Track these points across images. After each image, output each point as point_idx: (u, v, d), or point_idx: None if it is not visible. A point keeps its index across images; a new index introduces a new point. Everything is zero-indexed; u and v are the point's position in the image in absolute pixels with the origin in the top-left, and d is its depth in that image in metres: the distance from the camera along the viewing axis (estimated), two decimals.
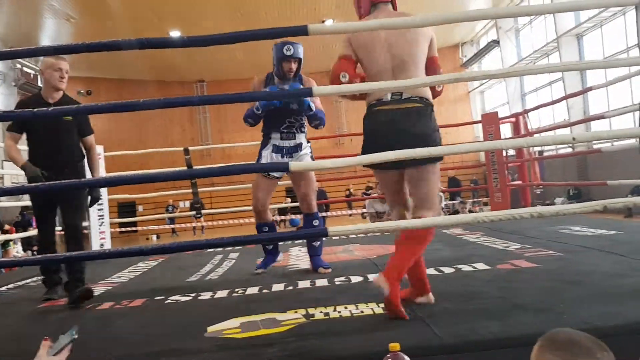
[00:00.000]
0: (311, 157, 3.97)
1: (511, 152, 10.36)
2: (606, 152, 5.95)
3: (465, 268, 3.30)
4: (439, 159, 2.54)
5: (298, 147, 3.87)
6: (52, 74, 3.42)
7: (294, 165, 2.59)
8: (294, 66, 3.70)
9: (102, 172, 6.86)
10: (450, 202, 12.83)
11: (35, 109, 2.69)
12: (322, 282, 3.29)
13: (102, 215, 6.89)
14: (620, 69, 7.57)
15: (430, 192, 2.54)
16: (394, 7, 2.75)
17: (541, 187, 13.76)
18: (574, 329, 1.14)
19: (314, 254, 3.91)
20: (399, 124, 2.46)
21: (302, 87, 3.69)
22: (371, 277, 3.27)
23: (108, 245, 7.05)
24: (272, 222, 4.03)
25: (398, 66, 2.54)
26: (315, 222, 3.96)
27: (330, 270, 3.72)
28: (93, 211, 6.81)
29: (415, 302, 2.53)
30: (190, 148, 7.53)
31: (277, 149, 3.84)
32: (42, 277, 3.60)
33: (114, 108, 2.85)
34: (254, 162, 4.16)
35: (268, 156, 3.85)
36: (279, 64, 3.71)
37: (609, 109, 12.92)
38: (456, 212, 11.48)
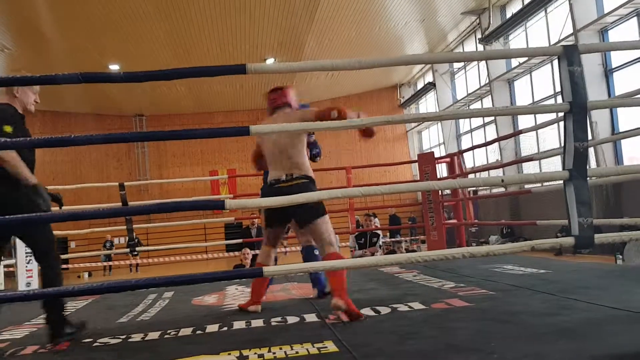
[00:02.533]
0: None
1: (447, 191, 10.65)
2: (536, 192, 6.21)
3: (401, 307, 3.32)
4: (323, 214, 3.46)
5: None
6: (28, 94, 3.21)
7: (229, 203, 2.56)
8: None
9: None
10: (390, 239, 13.00)
11: None
12: (257, 323, 3.23)
13: (30, 252, 6.57)
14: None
15: (326, 234, 3.44)
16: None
17: (476, 225, 14.20)
18: None
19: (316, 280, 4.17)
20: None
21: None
22: (307, 317, 3.25)
23: (35, 285, 6.71)
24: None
25: (282, 153, 3.52)
26: (316, 252, 3.95)
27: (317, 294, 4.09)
28: (20, 248, 6.50)
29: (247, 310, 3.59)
30: (127, 183, 7.34)
31: None
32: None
33: (49, 143, 2.76)
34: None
35: None
36: None
37: (539, 151, 13.58)
38: (393, 251, 11.62)
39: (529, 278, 4.20)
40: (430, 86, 20.07)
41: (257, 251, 9.54)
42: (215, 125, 20.95)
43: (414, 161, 9.00)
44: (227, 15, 13.69)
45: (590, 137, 2.60)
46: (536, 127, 7.64)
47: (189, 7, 13.01)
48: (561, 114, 4.49)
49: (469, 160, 16.84)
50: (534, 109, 5.82)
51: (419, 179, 8.51)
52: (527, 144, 14.81)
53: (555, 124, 9.92)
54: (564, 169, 2.54)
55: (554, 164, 11.72)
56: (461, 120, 19.01)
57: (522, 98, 14.98)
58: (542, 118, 11.59)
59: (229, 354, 2.48)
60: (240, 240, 8.76)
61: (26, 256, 6.58)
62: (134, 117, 22.29)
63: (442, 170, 8.19)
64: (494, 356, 2.15)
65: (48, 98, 19.79)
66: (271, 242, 3.75)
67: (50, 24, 12.78)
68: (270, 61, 16.59)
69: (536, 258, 5.89)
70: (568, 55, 2.50)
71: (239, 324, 3.23)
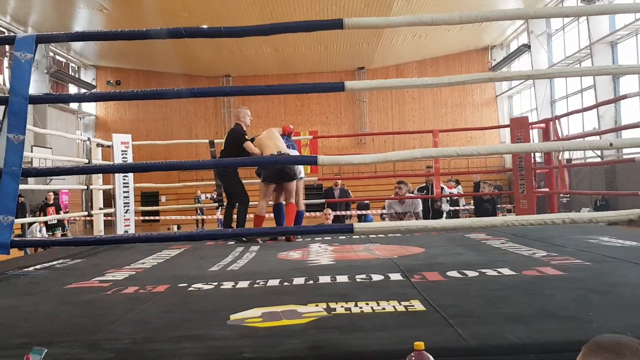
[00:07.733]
0: None
1: (538, 159, 10.21)
2: (639, 161, 5.77)
3: (490, 272, 3.24)
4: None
5: None
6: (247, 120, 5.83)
7: (321, 159, 2.58)
8: None
9: (129, 160, 6.94)
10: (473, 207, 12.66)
11: None
12: (342, 279, 3.27)
13: (128, 203, 6.96)
14: None
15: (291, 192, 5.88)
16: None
17: (568, 196, 13.55)
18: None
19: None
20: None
21: None
22: (392, 276, 3.25)
23: (132, 232, 7.11)
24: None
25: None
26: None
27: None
28: (119, 198, 6.89)
29: None
30: (216, 140, 7.55)
31: None
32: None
33: (146, 95, 2.88)
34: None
35: None
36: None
37: None
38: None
39: (627, 250, 3.97)
40: (525, 48, 19.10)
41: (339, 212, 9.64)
42: None
43: (506, 125, 8.65)
44: None
45: None
46: None
47: None
48: None
49: (564, 128, 16.00)
50: None
51: None
52: (629, 113, 13.87)
53: None
54: None
55: None
56: (557, 85, 18.05)
57: (626, 62, 13.97)
58: None
59: (317, 305, 2.53)
60: (323, 200, 8.88)
61: (124, 206, 6.98)
62: (221, 78, 22.83)
63: (534, 137, 7.84)
64: (593, 324, 2.06)
65: (142, 58, 20.61)
66: (268, 195, 5.88)
67: None
68: None
69: (635, 232, 5.57)
70: None
71: (324, 279, 3.28)
